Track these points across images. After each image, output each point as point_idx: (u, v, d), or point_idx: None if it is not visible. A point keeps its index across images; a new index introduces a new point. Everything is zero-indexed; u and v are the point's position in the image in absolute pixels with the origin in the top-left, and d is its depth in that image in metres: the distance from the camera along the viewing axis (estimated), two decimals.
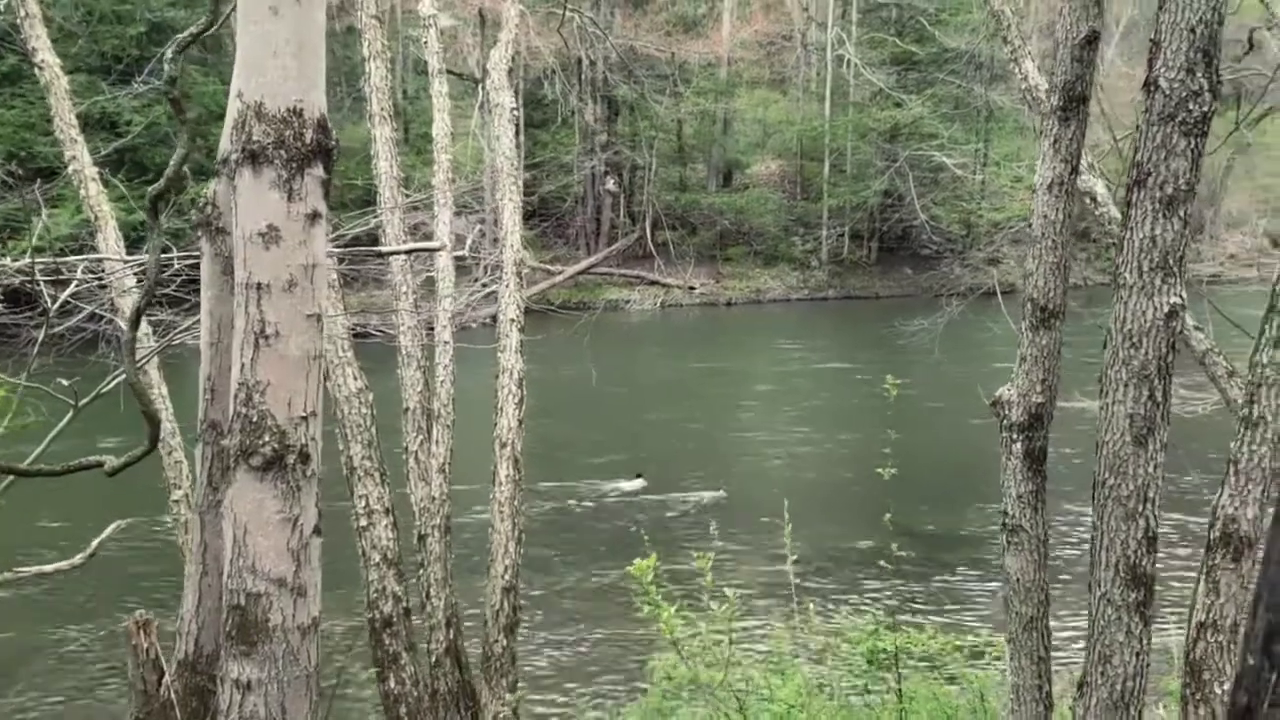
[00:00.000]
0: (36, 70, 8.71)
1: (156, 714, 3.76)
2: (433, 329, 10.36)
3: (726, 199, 47.85)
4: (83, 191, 8.66)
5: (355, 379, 8.77)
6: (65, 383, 5.14)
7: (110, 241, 8.53)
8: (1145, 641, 3.25)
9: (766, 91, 50.62)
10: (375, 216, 9.47)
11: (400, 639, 8.75)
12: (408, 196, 11.70)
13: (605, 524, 17.14)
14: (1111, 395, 3.21)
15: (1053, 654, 3.94)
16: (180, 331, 6.38)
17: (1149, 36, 3.08)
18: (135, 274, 7.62)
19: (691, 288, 45.18)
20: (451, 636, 9.37)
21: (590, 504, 18.35)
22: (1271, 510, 2.94)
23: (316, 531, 3.39)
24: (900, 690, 5.51)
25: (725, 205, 47.30)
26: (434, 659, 9.28)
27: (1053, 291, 3.69)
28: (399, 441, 9.69)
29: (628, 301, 43.94)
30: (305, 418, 3.33)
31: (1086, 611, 3.38)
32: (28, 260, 5.57)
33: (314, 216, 3.33)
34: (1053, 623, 4.09)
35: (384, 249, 7.19)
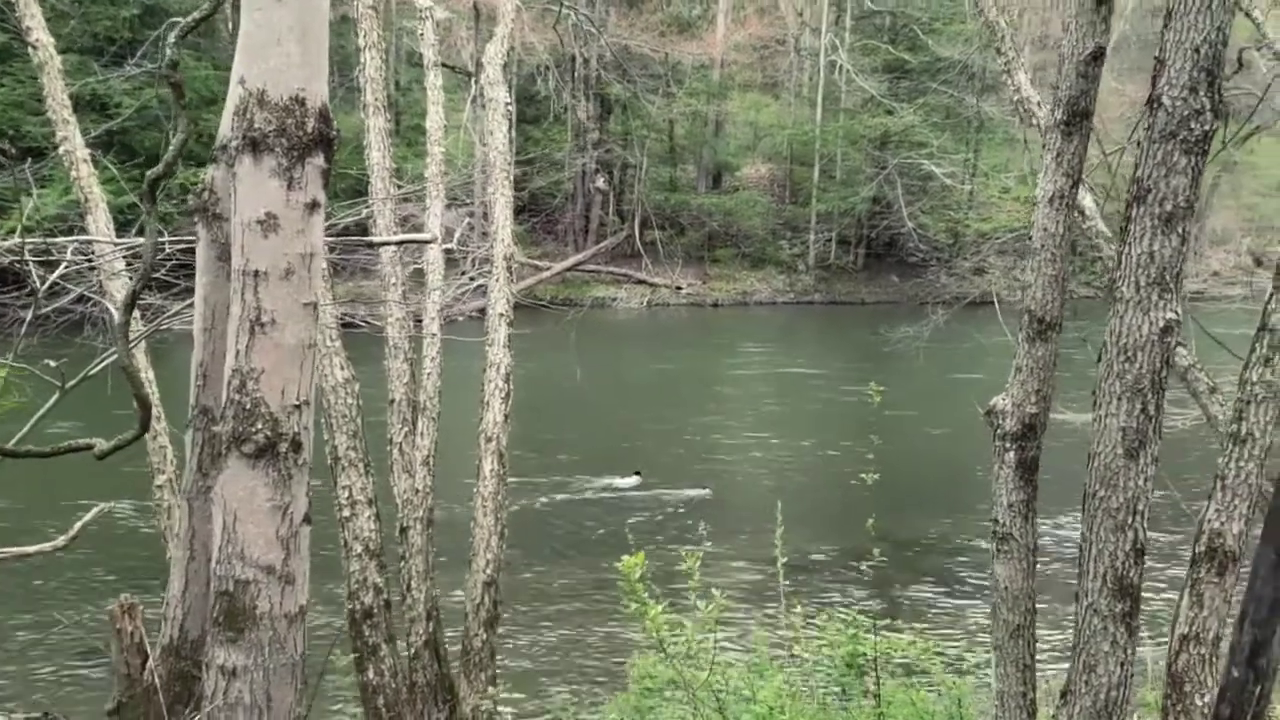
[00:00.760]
0: (30, 49, 8.65)
1: (140, 698, 3.75)
2: (420, 321, 10.34)
3: (716, 200, 47.92)
4: (74, 173, 8.61)
5: (342, 369, 8.75)
6: (53, 364, 5.12)
7: (101, 224, 8.49)
8: (1130, 652, 3.28)
9: (758, 95, 50.69)
10: (367, 207, 9.45)
11: (380, 630, 8.74)
12: (399, 188, 11.68)
13: (588, 521, 17.15)
14: (1104, 408, 3.24)
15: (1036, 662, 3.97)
16: (170, 316, 6.35)
17: (1142, 53, 3.12)
18: (125, 257, 7.59)
19: (679, 288, 45.23)
20: (431, 629, 9.36)
21: (572, 500, 18.35)
22: (1259, 526, 2.97)
23: (306, 520, 3.40)
24: (879, 695, 5.54)
25: (714, 207, 47.38)
26: (413, 651, 9.27)
27: (1050, 304, 3.72)
28: (384, 433, 9.68)
29: (614, 299, 43.96)
30: (298, 406, 3.34)
31: (1068, 622, 3.41)
32: (17, 240, 5.54)
33: (313, 206, 3.33)
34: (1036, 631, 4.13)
35: (375, 239, 7.19)
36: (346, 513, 8.76)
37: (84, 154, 8.72)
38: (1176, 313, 3.07)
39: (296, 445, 3.32)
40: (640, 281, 45.10)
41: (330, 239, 8.12)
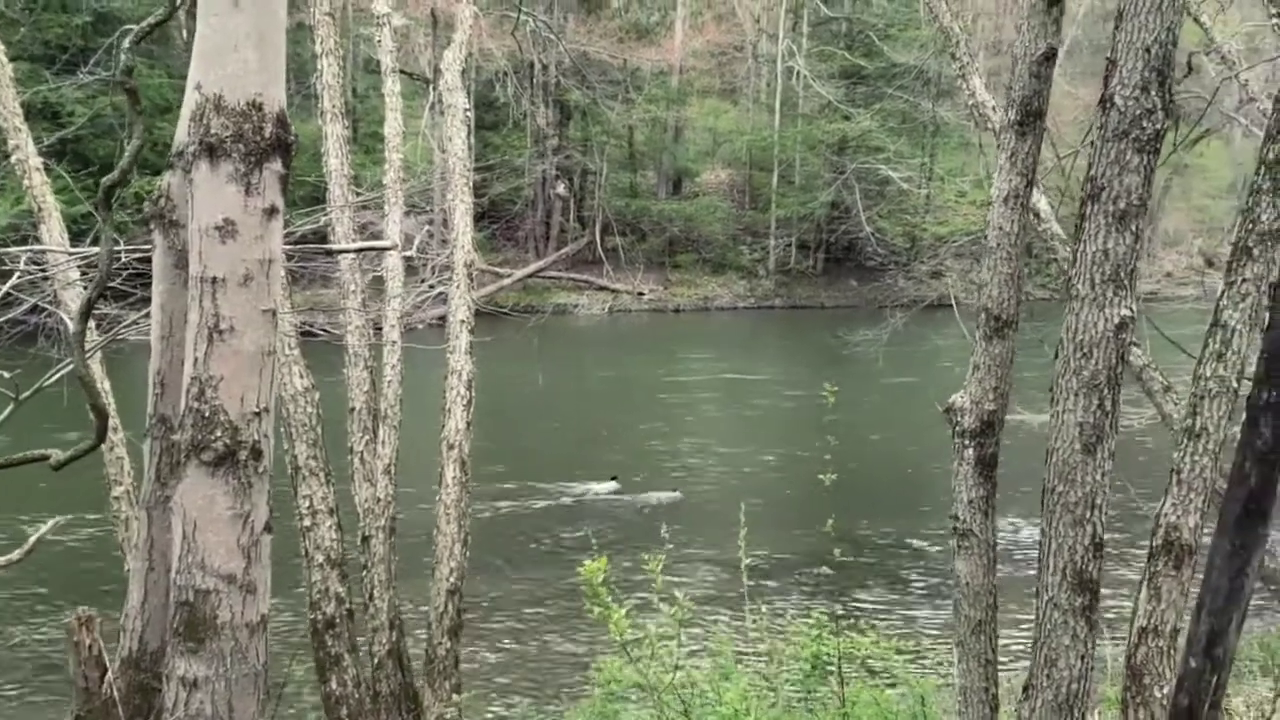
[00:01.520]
0: None
1: (98, 712, 3.70)
2: (380, 329, 10.30)
3: (676, 206, 48.03)
4: (26, 181, 8.49)
5: (301, 377, 8.70)
6: (6, 375, 5.05)
7: (55, 233, 8.38)
8: (1090, 645, 3.32)
9: (717, 101, 50.87)
10: (325, 214, 9.39)
11: (343, 640, 8.69)
12: (358, 195, 11.63)
13: (554, 527, 17.12)
14: (1061, 404, 3.28)
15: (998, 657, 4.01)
16: (126, 325, 6.28)
17: (1094, 57, 3.17)
18: (80, 267, 7.50)
19: (640, 293, 45.27)
20: (394, 638, 9.32)
21: (540, 507, 18.31)
22: (1214, 519, 3.03)
23: (267, 529, 3.36)
24: (843, 696, 5.56)
25: (675, 212, 47.48)
26: (376, 661, 9.22)
27: (1006, 301, 3.76)
28: (345, 441, 9.62)
29: (576, 306, 43.93)
30: (258, 414, 3.30)
31: (1030, 617, 3.45)
32: None
33: (271, 211, 3.30)
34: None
35: (334, 247, 7.14)
36: (307, 522, 8.70)
37: (36, 163, 8.60)
38: (1131, 309, 3.12)
39: (256, 453, 3.29)
40: (602, 288, 45.10)
41: (289, 247, 8.07)
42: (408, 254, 11.66)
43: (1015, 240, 3.71)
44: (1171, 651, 3.64)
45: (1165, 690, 3.62)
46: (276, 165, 3.30)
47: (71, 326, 3.99)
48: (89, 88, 26.41)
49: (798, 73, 46.61)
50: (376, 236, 15.38)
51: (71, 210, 11.88)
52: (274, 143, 3.28)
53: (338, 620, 8.67)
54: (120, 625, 3.76)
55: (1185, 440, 3.69)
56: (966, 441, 3.86)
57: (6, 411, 4.97)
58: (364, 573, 9.42)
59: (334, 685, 8.63)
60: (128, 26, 4.05)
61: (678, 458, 22.08)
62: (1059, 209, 10.59)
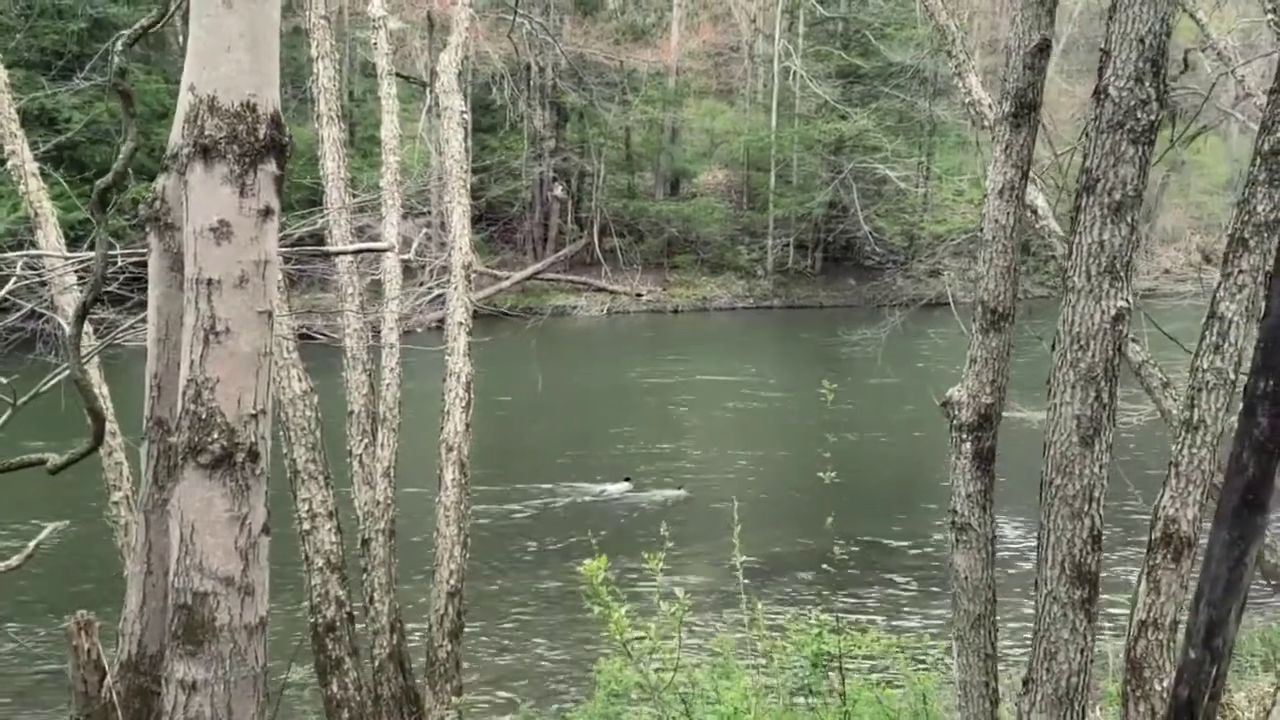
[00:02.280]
0: None
1: (97, 716, 3.69)
2: (379, 332, 10.29)
3: (674, 207, 48.02)
4: (22, 187, 8.49)
5: (300, 381, 8.69)
6: (4, 381, 5.05)
7: (51, 238, 8.37)
8: (1090, 638, 3.31)
9: (714, 102, 50.87)
10: (322, 216, 9.39)
11: (344, 644, 8.68)
12: (355, 197, 11.62)
13: (558, 528, 17.08)
14: (1059, 397, 3.27)
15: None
16: (123, 330, 6.27)
17: (1090, 55, 3.17)
18: (76, 271, 7.49)
19: (638, 294, 45.24)
20: (395, 641, 9.31)
21: (542, 507, 18.30)
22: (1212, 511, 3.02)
23: (265, 530, 3.36)
24: (844, 693, 5.55)
25: (672, 213, 47.46)
26: (377, 664, 9.21)
27: (1003, 294, 3.75)
28: (344, 445, 9.62)
29: (575, 307, 43.91)
30: (255, 415, 3.30)
31: (1029, 610, 3.44)
32: None
33: (266, 212, 3.30)
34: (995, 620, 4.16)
35: (331, 249, 7.13)
36: (307, 526, 8.70)
37: (33, 168, 8.60)
38: (1128, 300, 3.11)
39: (254, 455, 3.29)
40: (600, 289, 45.09)
41: (286, 250, 8.07)
42: (405, 257, 11.66)
43: (1011, 233, 3.69)
44: (1171, 644, 3.63)
45: (1165, 683, 3.61)
46: (271, 166, 3.30)
47: (68, 330, 3.99)
48: (85, 93, 26.42)
49: (794, 73, 46.62)
50: (374, 239, 15.38)
51: (69, 216, 11.86)
52: (268, 144, 3.28)
53: (338, 623, 8.66)
54: (119, 629, 3.76)
55: (1183, 432, 3.68)
56: (964, 435, 3.85)
57: (4, 417, 4.96)
58: (364, 576, 9.42)
59: (335, 688, 8.62)
60: (122, 31, 4.05)
61: (680, 457, 22.08)
62: (1056, 206, 10.59)
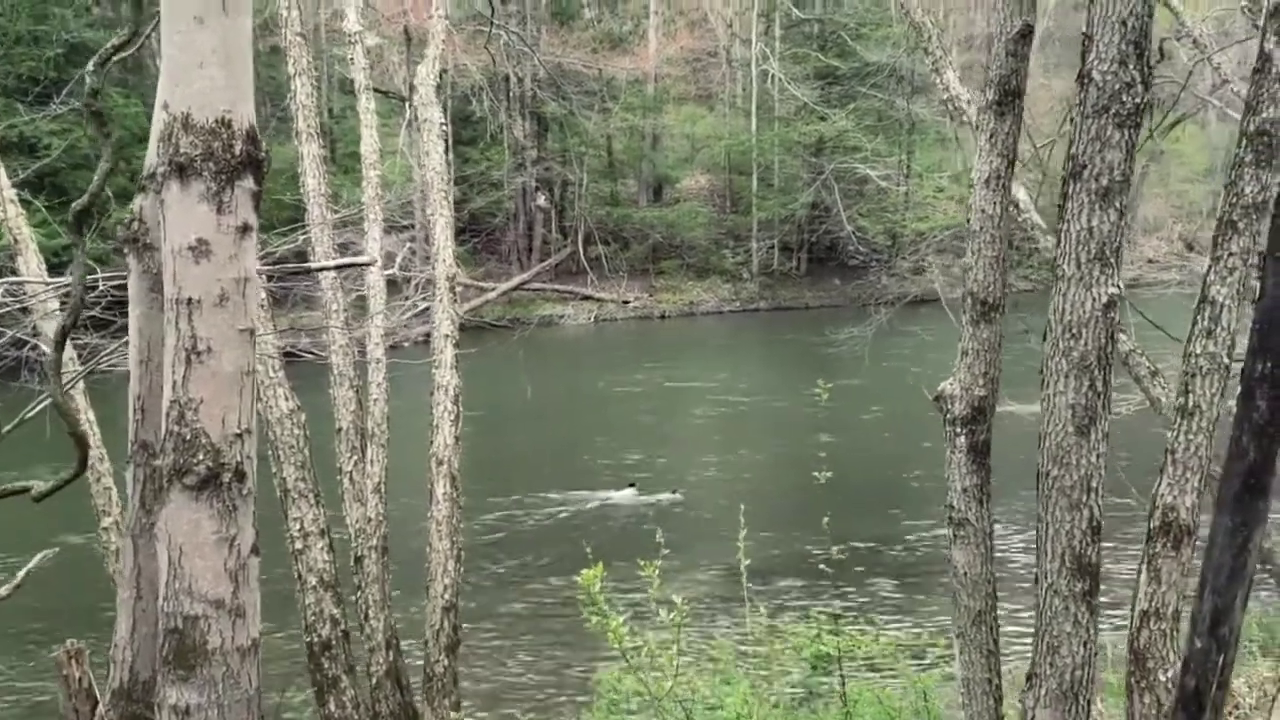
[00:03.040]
0: None
1: None
2: (365, 348, 10.25)
3: (657, 213, 48.00)
4: (1, 214, 8.43)
5: (287, 399, 8.64)
6: None
7: (32, 265, 8.31)
8: (1092, 631, 3.27)
9: (693, 107, 50.91)
10: (304, 233, 9.35)
11: (339, 662, 8.62)
12: (336, 213, 11.59)
13: (551, 537, 17.03)
14: (1052, 386, 3.24)
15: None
16: (107, 355, 6.21)
17: (1066, 48, 3.15)
18: (58, 297, 7.43)
19: (625, 302, 45.19)
20: (392, 658, 9.26)
21: (535, 517, 18.24)
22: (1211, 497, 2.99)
23: (254, 551, 3.31)
24: (845, 694, 5.52)
25: (656, 219, 47.45)
26: (374, 681, 9.16)
27: (992, 285, 3.71)
28: (333, 462, 9.56)
29: (562, 317, 43.83)
30: (240, 435, 3.25)
31: (1026, 606, 3.41)
32: None
33: (245, 229, 3.26)
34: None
35: (314, 265, 7.08)
36: (299, 545, 8.64)
37: (11, 195, 8.54)
38: (1118, 287, 3.08)
39: (240, 475, 3.24)
40: (586, 297, 45.01)
41: (269, 268, 8.03)
42: (390, 272, 11.63)
43: (999, 223, 3.66)
44: (1174, 634, 3.59)
45: (1170, 674, 3.58)
46: (248, 182, 3.26)
47: (49, 354, 3.94)
48: (63, 119, 26.27)
49: (772, 76, 46.69)
50: (357, 255, 15.31)
51: (51, 244, 11.79)
52: (245, 160, 3.23)
53: (334, 642, 8.60)
54: (109, 656, 3.71)
55: (1179, 419, 3.65)
56: (958, 429, 3.81)
57: None
58: (358, 593, 9.36)
59: (332, 707, 8.56)
60: (102, 49, 4.00)
61: (672, 462, 22.03)
62: (1038, 199, 10.59)
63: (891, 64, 42.70)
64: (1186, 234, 52.92)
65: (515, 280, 44.58)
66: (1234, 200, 3.50)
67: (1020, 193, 10.60)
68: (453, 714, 9.03)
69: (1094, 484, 3.24)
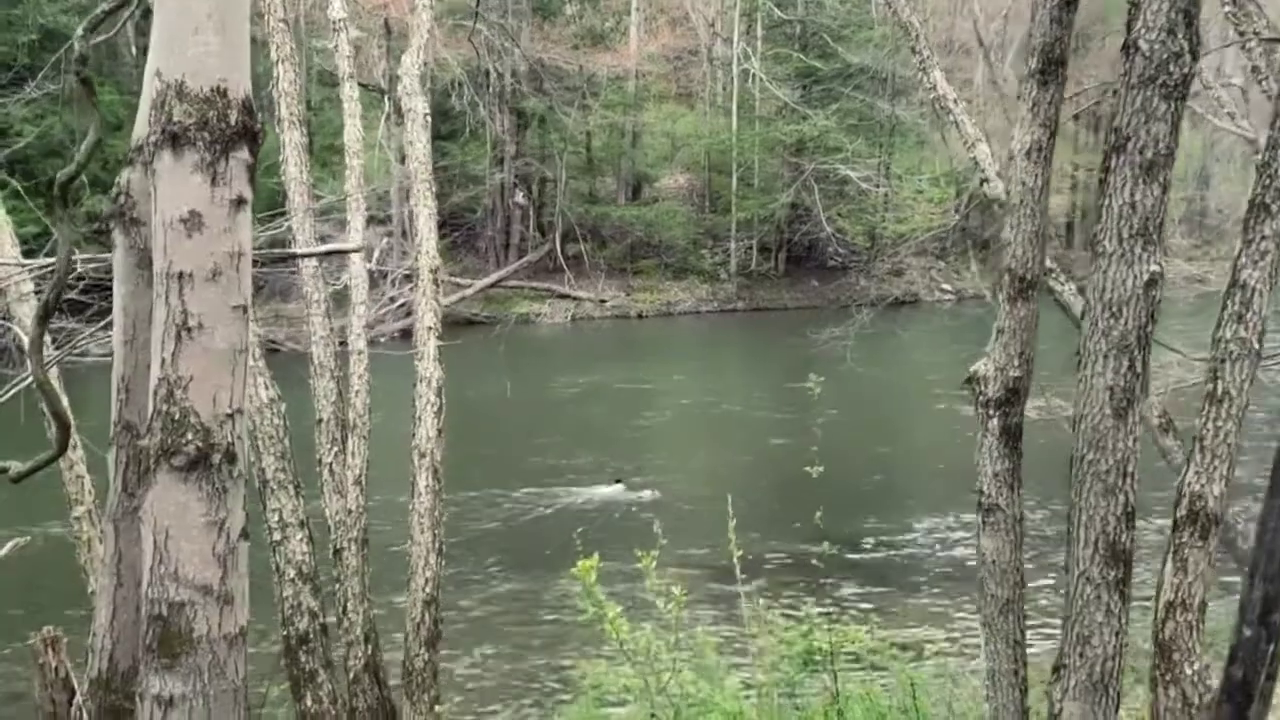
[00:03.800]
0: None
1: None
2: (345, 339, 10.14)
3: (636, 211, 47.87)
4: None
5: (267, 388, 8.50)
6: None
7: (5, 247, 8.14)
8: (1124, 620, 3.20)
9: (674, 105, 50.82)
10: (287, 220, 9.22)
11: (317, 656, 8.49)
12: (318, 200, 11.45)
13: (533, 533, 16.92)
14: (1090, 368, 3.15)
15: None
16: (85, 338, 6.07)
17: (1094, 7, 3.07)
18: (34, 278, 7.27)
19: (602, 301, 45.05)
20: (370, 652, 9.14)
21: (517, 513, 18.13)
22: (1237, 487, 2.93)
23: (244, 535, 3.20)
24: (837, 691, 5.44)
25: (635, 218, 47.31)
26: (352, 675, 9.04)
27: (1031, 261, 3.62)
28: (310, 454, 9.43)
29: (539, 315, 43.64)
30: (231, 415, 3.14)
31: (1043, 598, 3.33)
32: None
33: (239, 202, 3.15)
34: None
35: (299, 251, 6.96)
36: (278, 536, 8.51)
37: None
38: (1160, 264, 3.00)
39: (231, 456, 3.12)
40: (564, 296, 44.83)
41: (254, 253, 7.89)
42: (369, 266, 11.51)
43: (1039, 196, 3.57)
44: (1200, 625, 3.53)
45: (1196, 666, 3.52)
46: (243, 154, 3.15)
47: (29, 333, 3.81)
48: (37, 105, 25.94)
49: (753, 75, 46.64)
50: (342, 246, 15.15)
51: (23, 231, 11.56)
52: (240, 130, 3.12)
53: (311, 635, 8.47)
54: (88, 645, 3.58)
55: (1207, 405, 3.58)
56: (991, 411, 3.70)
57: None
58: (337, 586, 9.23)
59: (309, 702, 8.43)
60: (90, 16, 3.87)
61: (649, 460, 21.97)
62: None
63: (873, 66, 42.82)
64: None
65: (493, 277, 44.36)
66: (1268, 181, 3.44)
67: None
68: (434, 709, 8.92)
69: (1130, 468, 3.16)
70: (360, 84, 18.48)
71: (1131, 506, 3.18)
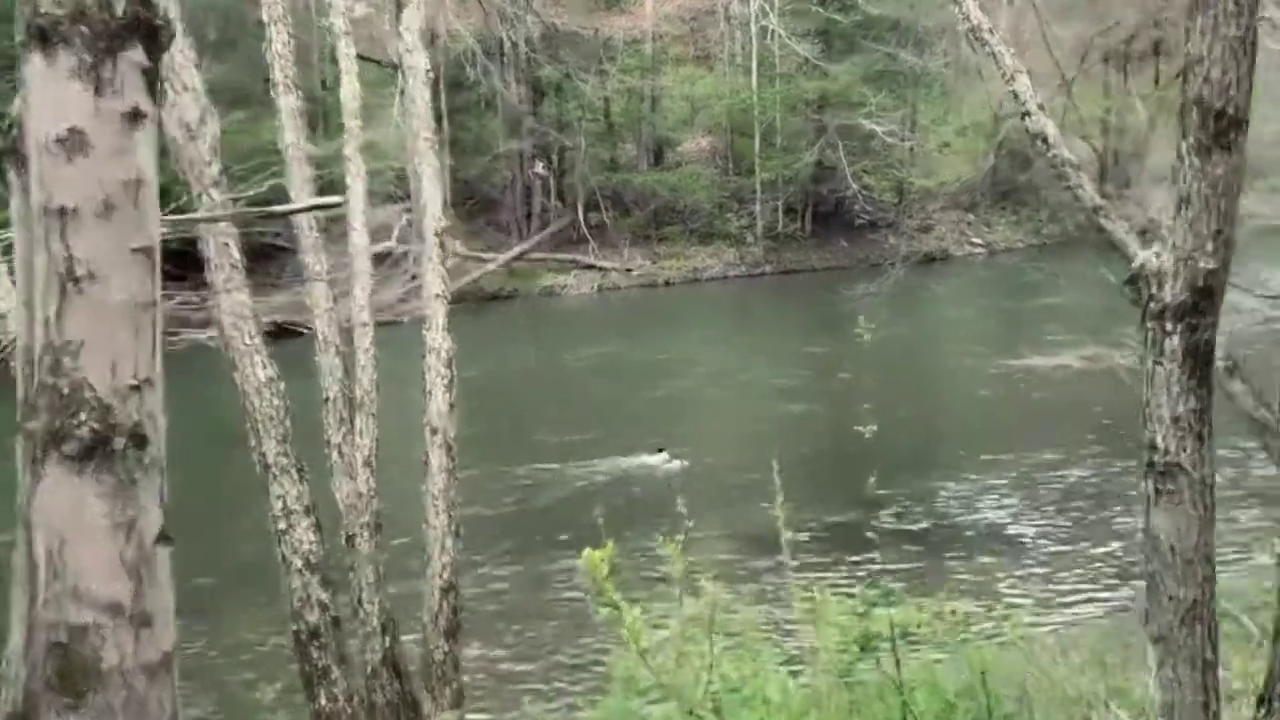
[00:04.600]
0: None
1: None
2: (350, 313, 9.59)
3: (658, 177, 47.04)
4: None
5: (265, 367, 7.94)
6: None
7: None
8: None
9: (693, 67, 49.87)
10: (279, 178, 8.65)
11: (329, 651, 7.94)
12: (319, 170, 10.88)
13: (558, 511, 16.35)
14: None
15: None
16: None
17: None
18: None
19: (628, 269, 44.33)
20: (388, 644, 8.60)
21: (542, 490, 17.58)
22: None
23: (164, 539, 2.54)
24: (900, 682, 4.76)
25: (658, 184, 46.49)
26: (370, 670, 8.49)
27: (1233, 86, 2.51)
28: (318, 437, 8.89)
29: (564, 286, 43.00)
30: (137, 386, 2.47)
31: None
32: None
33: (135, 116, 2.46)
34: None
35: (278, 209, 6.36)
36: (282, 525, 7.96)
37: None
38: None
39: (138, 439, 2.46)
40: (589, 266, 44.12)
41: (234, 212, 7.30)
42: (389, 244, 10.95)
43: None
44: None
45: None
46: (137, 54, 2.46)
47: None
48: None
49: (772, 31, 45.55)
50: (342, 225, 14.59)
51: None
52: (130, 24, 2.44)
53: (322, 629, 7.92)
54: (2, 673, 2.97)
55: None
56: (1168, 324, 2.61)
57: None
58: (350, 575, 8.68)
59: (323, 700, 7.89)
60: None
61: (683, 429, 21.33)
62: (1067, 135, 9.86)
63: (895, 17, 41.82)
64: None
65: (515, 250, 43.71)
66: None
67: (1049, 127, 9.84)
68: (456, 702, 8.37)
69: None
70: (370, 59, 17.77)
71: None
